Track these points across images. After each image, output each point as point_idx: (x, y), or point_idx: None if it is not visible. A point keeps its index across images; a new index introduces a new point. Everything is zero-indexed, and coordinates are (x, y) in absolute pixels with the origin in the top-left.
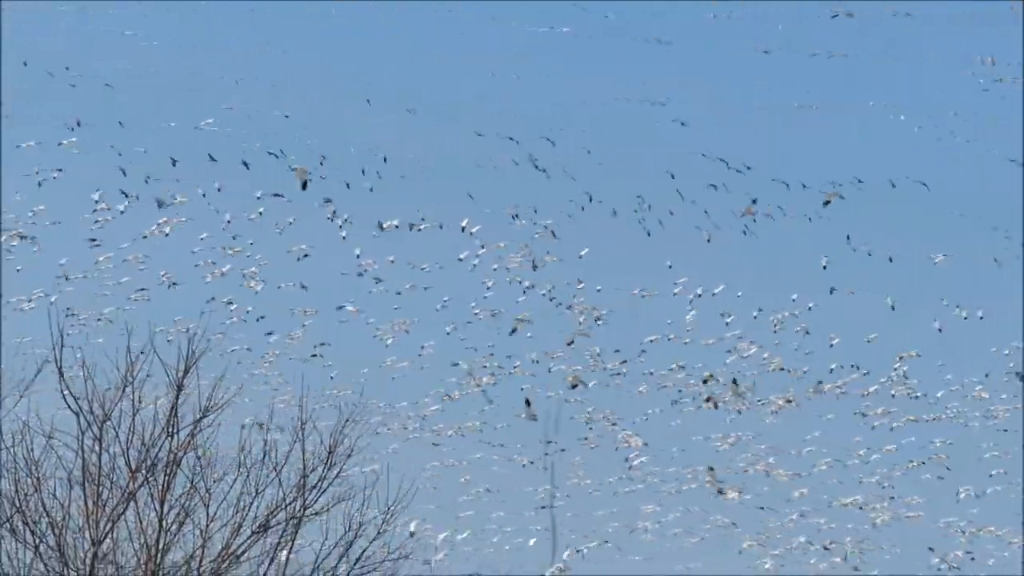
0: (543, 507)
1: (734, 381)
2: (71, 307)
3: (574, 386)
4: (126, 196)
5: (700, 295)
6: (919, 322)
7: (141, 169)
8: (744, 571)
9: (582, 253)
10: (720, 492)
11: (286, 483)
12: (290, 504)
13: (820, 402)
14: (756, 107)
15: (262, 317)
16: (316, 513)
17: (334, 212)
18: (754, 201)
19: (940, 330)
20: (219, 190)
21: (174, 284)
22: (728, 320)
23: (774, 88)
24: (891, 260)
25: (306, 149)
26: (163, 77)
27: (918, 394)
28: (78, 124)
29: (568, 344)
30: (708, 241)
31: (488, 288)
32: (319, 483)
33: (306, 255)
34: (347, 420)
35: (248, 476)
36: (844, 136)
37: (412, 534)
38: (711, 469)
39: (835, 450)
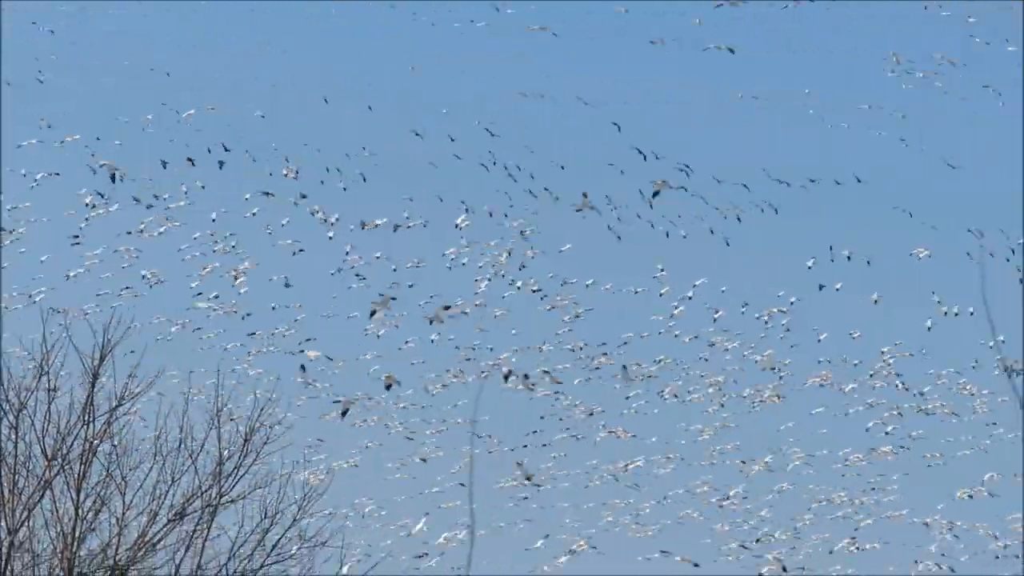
0: (524, 497)
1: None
2: (54, 305)
3: (388, 387)
4: (102, 196)
5: (691, 297)
6: (901, 318)
7: (128, 168)
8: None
9: (563, 248)
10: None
11: (202, 471)
12: (206, 492)
13: (805, 396)
14: (668, 101)
15: (248, 314)
16: (232, 501)
17: (317, 209)
18: (584, 195)
19: (929, 328)
20: (203, 188)
21: (160, 282)
22: (716, 315)
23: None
24: (869, 263)
25: (272, 148)
26: (159, 77)
27: (900, 384)
28: (48, 126)
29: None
30: (684, 237)
31: (481, 286)
32: (235, 471)
33: (301, 250)
34: (263, 409)
35: (164, 464)
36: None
37: (410, 534)
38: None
39: (817, 444)
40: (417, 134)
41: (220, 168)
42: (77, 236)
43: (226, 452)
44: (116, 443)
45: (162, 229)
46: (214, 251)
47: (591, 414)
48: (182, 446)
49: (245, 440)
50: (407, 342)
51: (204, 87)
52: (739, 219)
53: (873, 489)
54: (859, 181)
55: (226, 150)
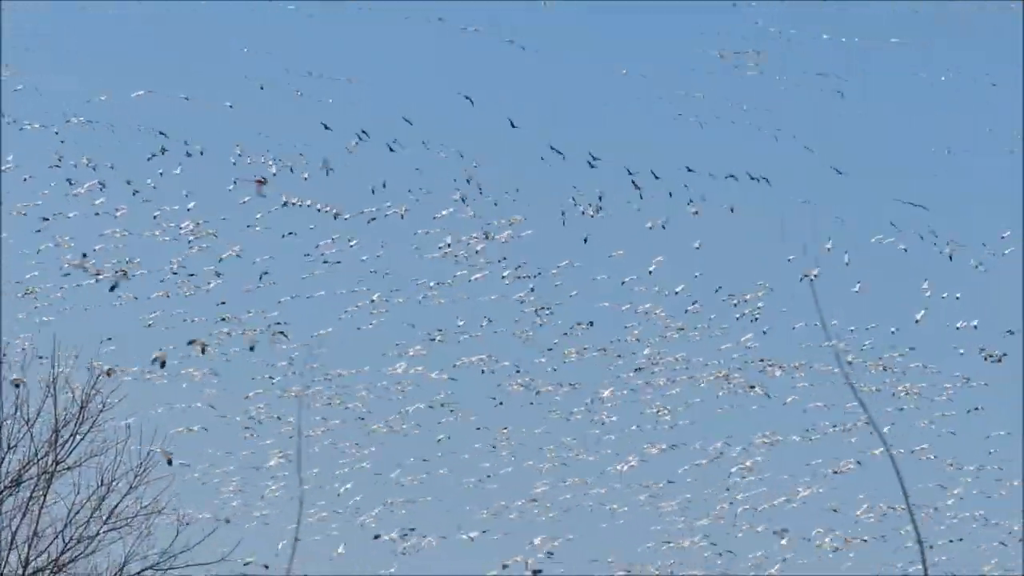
0: (487, 475)
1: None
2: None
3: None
4: (71, 183)
5: (678, 293)
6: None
7: (114, 161)
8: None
9: (523, 233)
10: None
11: (38, 438)
12: (42, 459)
13: (776, 384)
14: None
15: (223, 303)
16: (68, 468)
17: (297, 200)
18: (264, 181)
19: (917, 321)
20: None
21: (124, 271)
22: (691, 307)
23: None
24: (848, 264)
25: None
26: (158, 77)
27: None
28: (12, 121)
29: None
30: (650, 228)
31: (469, 276)
32: (71, 438)
33: (291, 233)
34: (99, 375)
35: (0, 431)
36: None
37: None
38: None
39: (790, 432)
40: (327, 127)
41: (187, 157)
42: (47, 219)
43: (62, 419)
44: None
45: (154, 218)
46: (180, 231)
47: (540, 391)
48: (18, 413)
49: (81, 408)
50: (370, 324)
51: (203, 86)
52: (698, 212)
53: (837, 473)
54: (763, 180)
55: (163, 135)
